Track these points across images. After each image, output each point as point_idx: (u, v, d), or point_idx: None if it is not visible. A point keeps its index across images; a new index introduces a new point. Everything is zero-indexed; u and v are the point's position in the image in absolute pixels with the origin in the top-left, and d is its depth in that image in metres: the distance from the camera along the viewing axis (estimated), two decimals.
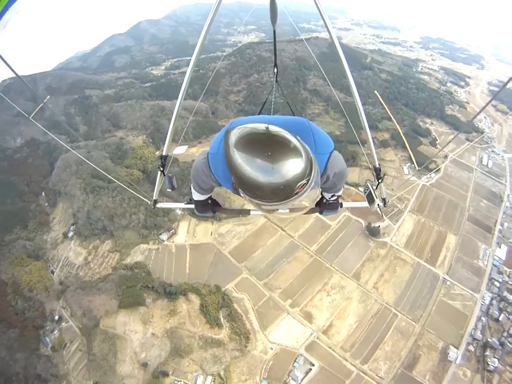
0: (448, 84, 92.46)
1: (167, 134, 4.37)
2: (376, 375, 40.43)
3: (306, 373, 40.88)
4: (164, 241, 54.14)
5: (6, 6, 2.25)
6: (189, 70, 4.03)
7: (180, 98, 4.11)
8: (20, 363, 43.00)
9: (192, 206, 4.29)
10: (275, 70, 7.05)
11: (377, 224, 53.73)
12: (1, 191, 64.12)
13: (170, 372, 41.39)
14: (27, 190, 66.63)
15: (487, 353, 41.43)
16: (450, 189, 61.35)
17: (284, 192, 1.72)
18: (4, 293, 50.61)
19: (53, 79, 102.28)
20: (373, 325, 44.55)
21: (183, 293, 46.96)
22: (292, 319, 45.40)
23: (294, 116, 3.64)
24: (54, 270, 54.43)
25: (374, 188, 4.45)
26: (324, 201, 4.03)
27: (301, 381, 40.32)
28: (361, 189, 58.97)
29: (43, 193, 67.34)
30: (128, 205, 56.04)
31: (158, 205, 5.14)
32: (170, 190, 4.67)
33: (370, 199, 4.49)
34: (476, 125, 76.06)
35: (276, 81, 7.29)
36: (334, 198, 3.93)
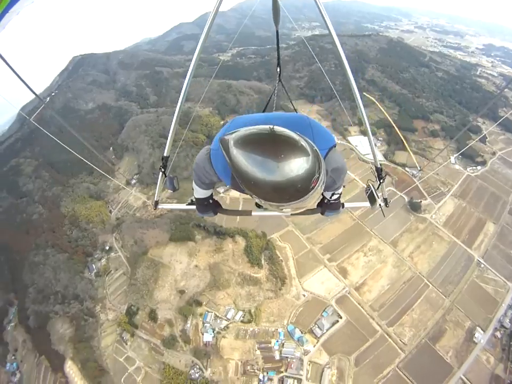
0: (505, 89, 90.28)
1: (168, 134, 4.45)
2: (400, 340, 41.10)
3: (333, 324, 42.44)
4: (220, 193, 57.16)
5: (6, 8, 2.32)
6: (190, 68, 4.06)
7: (181, 100, 4.15)
8: (62, 282, 47.42)
9: (194, 207, 4.37)
10: (278, 70, 7.01)
11: (419, 200, 55.45)
12: (71, 143, 71.28)
13: (204, 303, 44.59)
14: (96, 144, 71.52)
15: None
16: (494, 182, 61.09)
17: (287, 192, 1.66)
18: (61, 224, 55.84)
19: (125, 56, 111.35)
20: (404, 290, 45.70)
21: (231, 235, 50.74)
22: (327, 271, 47.83)
23: (296, 113, 3.72)
24: (112, 210, 60.38)
25: (376, 188, 4.45)
26: (325, 201, 3.99)
27: (326, 330, 41.85)
28: (407, 169, 61.38)
29: (111, 148, 74.37)
30: (191, 160, 60.17)
31: (160, 206, 5.10)
32: (171, 191, 4.65)
33: (372, 199, 4.47)
34: None
35: (279, 80, 7.06)
36: (335, 197, 3.87)
